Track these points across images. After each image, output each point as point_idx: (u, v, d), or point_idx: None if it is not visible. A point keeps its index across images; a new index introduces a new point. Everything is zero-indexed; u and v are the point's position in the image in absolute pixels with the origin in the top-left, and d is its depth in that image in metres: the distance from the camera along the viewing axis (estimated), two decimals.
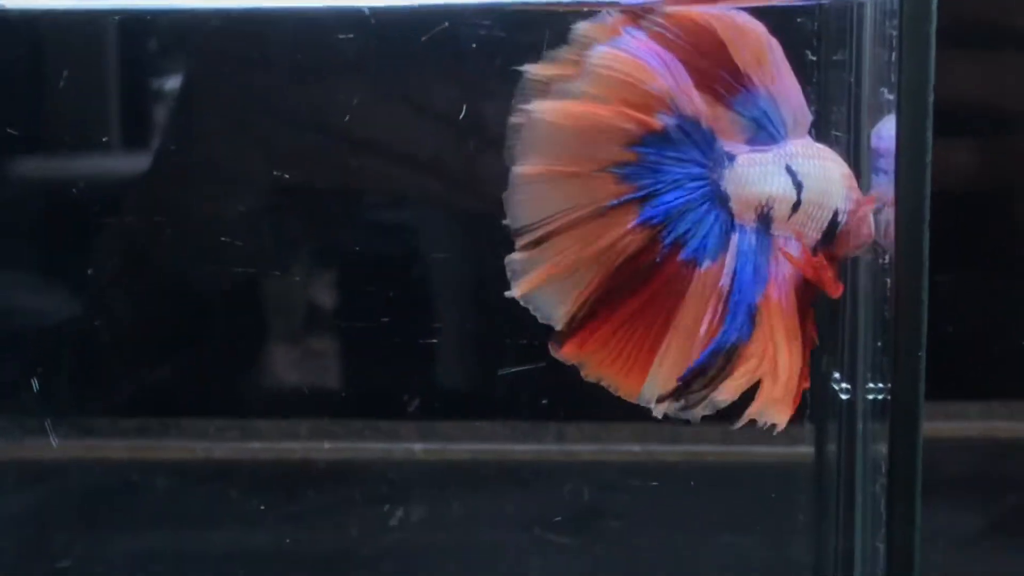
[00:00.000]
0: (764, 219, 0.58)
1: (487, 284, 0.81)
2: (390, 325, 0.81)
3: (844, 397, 0.70)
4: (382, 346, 0.82)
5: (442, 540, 0.81)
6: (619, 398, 0.83)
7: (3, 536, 0.79)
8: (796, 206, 0.59)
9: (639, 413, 0.83)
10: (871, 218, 0.60)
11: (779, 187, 0.58)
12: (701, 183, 0.58)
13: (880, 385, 0.66)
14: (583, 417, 0.84)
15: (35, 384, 0.78)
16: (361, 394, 0.84)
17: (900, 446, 0.61)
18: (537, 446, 0.84)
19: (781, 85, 0.58)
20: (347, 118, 0.75)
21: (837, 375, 0.70)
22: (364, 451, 0.84)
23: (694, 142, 0.58)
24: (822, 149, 0.59)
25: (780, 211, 0.58)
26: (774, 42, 0.58)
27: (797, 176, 0.59)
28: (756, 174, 0.58)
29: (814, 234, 0.59)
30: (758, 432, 0.79)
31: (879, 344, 0.65)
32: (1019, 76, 0.81)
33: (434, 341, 0.82)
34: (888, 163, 0.61)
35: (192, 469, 0.84)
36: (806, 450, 0.76)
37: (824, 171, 0.59)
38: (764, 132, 0.58)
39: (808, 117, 0.59)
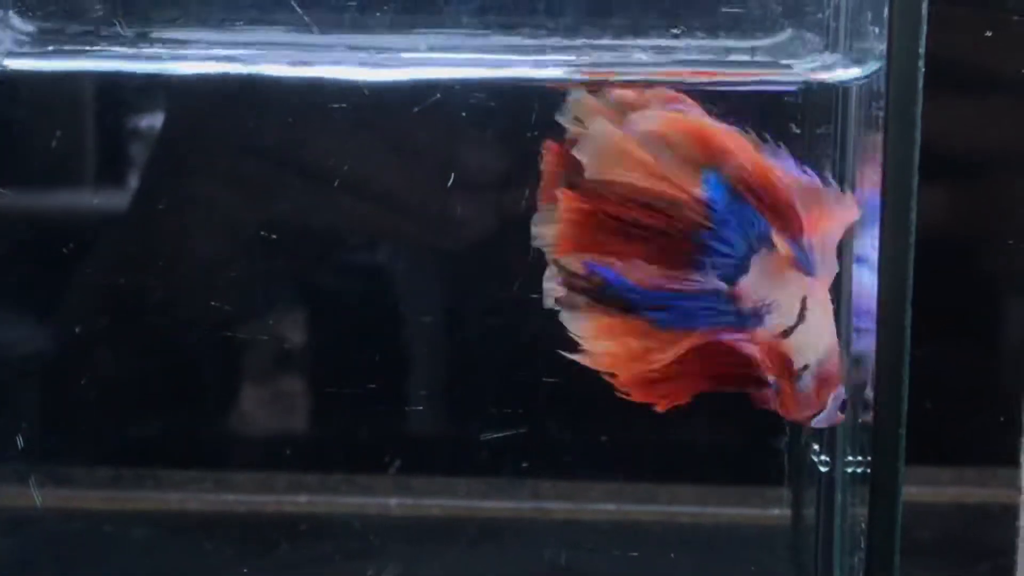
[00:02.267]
0: (756, 315, 0.59)
1: (469, 344, 0.81)
2: (369, 380, 0.81)
3: (823, 469, 0.70)
4: (361, 401, 0.82)
5: None
6: (595, 458, 0.84)
7: None
8: (787, 333, 0.60)
9: (615, 472, 0.84)
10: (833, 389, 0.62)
11: (787, 303, 0.59)
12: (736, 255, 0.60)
13: (859, 458, 0.67)
14: (558, 475, 0.84)
15: (19, 441, 0.78)
16: (338, 448, 0.84)
17: (879, 522, 0.61)
18: (512, 503, 0.84)
19: (824, 236, 0.61)
20: (336, 183, 0.75)
21: (816, 447, 0.71)
22: (340, 505, 0.84)
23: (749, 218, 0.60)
24: (830, 309, 0.61)
25: (773, 323, 0.59)
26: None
27: (805, 310, 0.60)
28: (778, 278, 0.59)
29: (797, 361, 0.62)
30: (734, 494, 0.80)
31: (859, 421, 0.66)
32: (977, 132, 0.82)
33: (414, 400, 0.82)
34: None
35: (167, 520, 0.83)
36: (783, 513, 0.76)
37: (825, 323, 0.61)
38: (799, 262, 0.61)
39: (834, 270, 0.61)
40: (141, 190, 0.81)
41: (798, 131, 0.71)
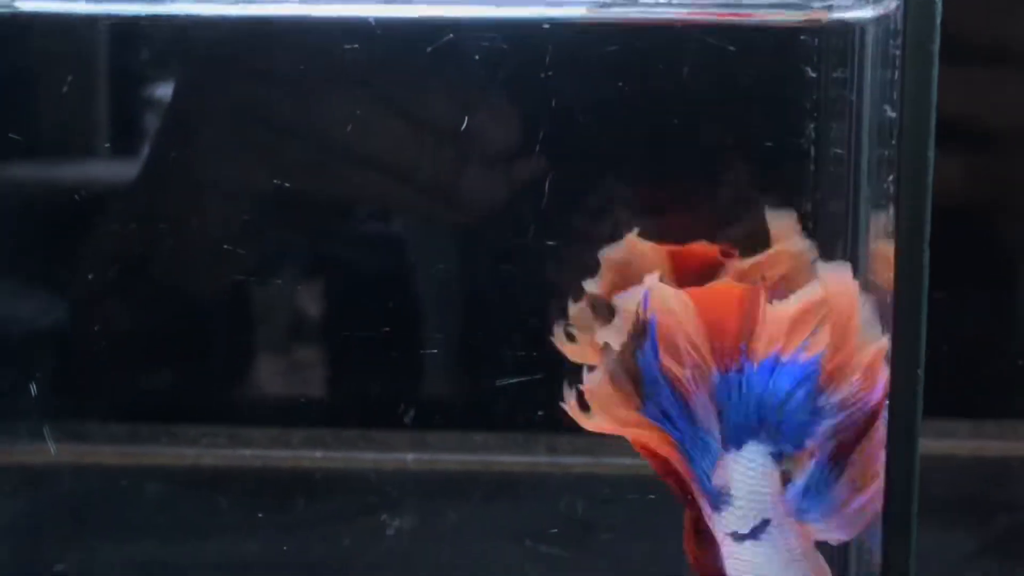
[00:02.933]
0: (720, 497, 0.62)
1: (483, 294, 0.81)
2: (385, 334, 0.80)
3: None
4: (376, 356, 0.81)
5: (434, 551, 0.81)
6: None
7: None
8: (739, 539, 0.62)
9: None
10: None
11: (748, 511, 0.61)
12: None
13: None
14: (575, 429, 0.83)
15: (33, 389, 0.78)
16: (354, 403, 0.84)
17: (897, 461, 0.61)
18: (529, 458, 0.84)
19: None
20: (348, 128, 0.75)
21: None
22: (356, 461, 0.84)
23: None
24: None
25: (727, 518, 0.62)
26: None
27: (760, 535, 0.62)
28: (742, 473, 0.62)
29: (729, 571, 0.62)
30: None
31: None
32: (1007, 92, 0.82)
33: (428, 351, 0.82)
34: None
35: (182, 475, 0.83)
36: None
37: (780, 565, 0.62)
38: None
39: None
40: (153, 139, 0.81)
41: (814, 74, 0.70)
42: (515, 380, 0.77)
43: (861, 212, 0.66)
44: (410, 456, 0.83)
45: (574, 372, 0.79)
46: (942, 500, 0.80)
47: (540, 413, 0.80)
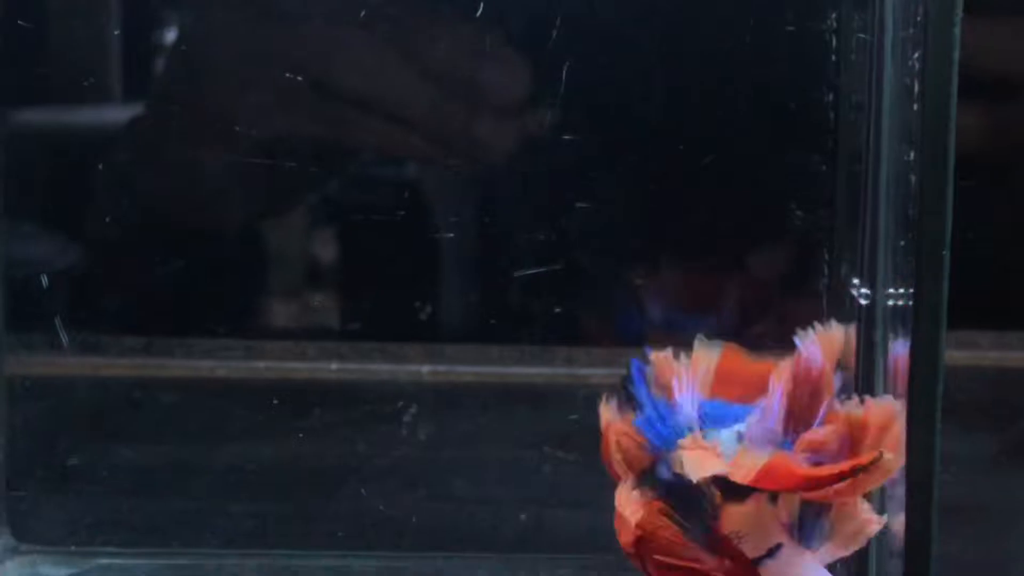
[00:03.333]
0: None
1: (497, 204, 0.80)
2: (399, 247, 0.80)
3: (863, 303, 0.69)
4: (392, 268, 0.81)
5: (449, 457, 0.80)
6: (628, 323, 0.83)
7: (12, 443, 0.78)
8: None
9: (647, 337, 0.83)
10: None
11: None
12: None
13: (901, 290, 0.65)
14: (592, 342, 0.83)
15: (44, 280, 0.77)
16: (369, 316, 0.83)
17: (923, 343, 0.60)
18: (546, 369, 0.83)
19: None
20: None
21: (856, 281, 0.69)
22: (372, 372, 0.83)
23: None
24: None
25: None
26: None
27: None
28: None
29: None
30: (766, 342, 0.79)
31: (901, 243, 0.64)
32: None
33: (443, 263, 0.81)
34: None
35: (197, 387, 0.83)
36: None
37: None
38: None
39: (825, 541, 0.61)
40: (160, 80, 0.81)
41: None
42: (532, 271, 0.76)
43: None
44: (426, 367, 0.82)
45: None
46: (964, 407, 0.79)
47: (558, 324, 0.80)
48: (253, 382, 0.83)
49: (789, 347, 0.62)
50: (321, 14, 0.77)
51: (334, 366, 0.83)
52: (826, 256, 0.75)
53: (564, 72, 0.76)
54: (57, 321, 0.78)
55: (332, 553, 0.77)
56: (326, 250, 0.85)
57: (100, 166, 0.81)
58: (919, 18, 0.60)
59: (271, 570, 0.75)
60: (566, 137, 0.77)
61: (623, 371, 0.63)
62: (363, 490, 0.79)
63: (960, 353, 0.83)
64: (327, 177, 0.82)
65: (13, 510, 0.76)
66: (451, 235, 0.80)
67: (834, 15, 0.72)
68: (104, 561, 0.76)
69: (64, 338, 0.78)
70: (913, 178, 0.62)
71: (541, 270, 0.77)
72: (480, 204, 0.81)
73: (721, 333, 0.65)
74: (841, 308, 0.72)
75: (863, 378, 0.68)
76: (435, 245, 0.81)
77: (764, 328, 0.78)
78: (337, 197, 0.83)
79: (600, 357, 0.83)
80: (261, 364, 0.83)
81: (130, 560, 0.76)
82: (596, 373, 0.83)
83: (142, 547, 0.77)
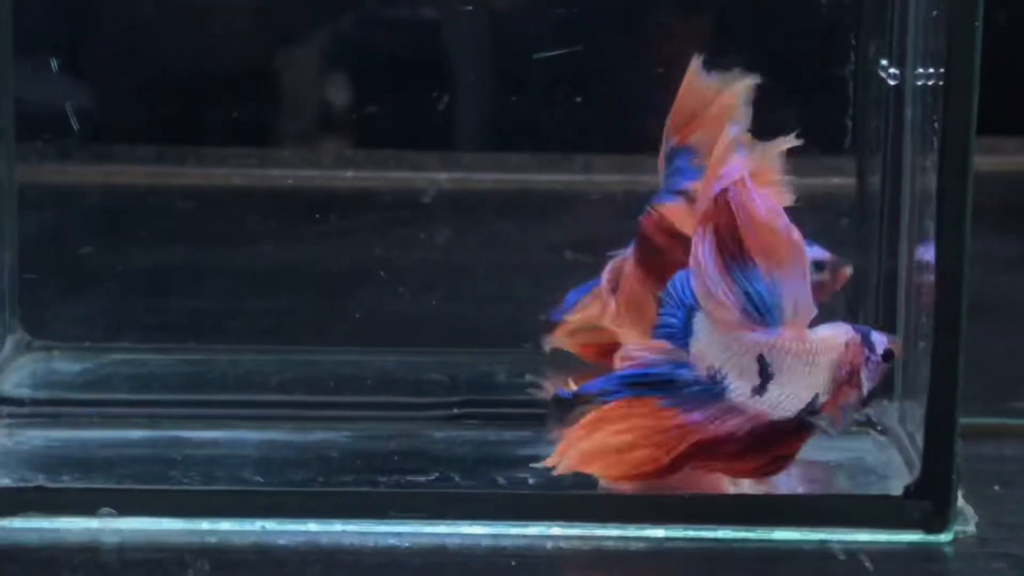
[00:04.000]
0: (714, 382, 0.60)
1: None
2: (418, 60, 0.79)
3: (892, 83, 0.67)
4: (408, 77, 0.80)
5: (468, 260, 0.79)
6: (644, 134, 0.82)
7: (26, 246, 0.77)
8: (760, 390, 0.60)
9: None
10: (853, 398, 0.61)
11: (741, 364, 0.60)
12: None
13: (931, 70, 0.64)
14: (609, 149, 0.82)
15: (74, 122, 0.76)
16: (384, 123, 0.82)
17: (954, 126, 0.59)
18: (563, 176, 0.82)
19: (788, 276, 0.60)
20: None
21: (884, 62, 0.68)
22: (387, 180, 0.82)
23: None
24: (817, 343, 0.60)
25: (738, 388, 0.60)
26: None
27: (769, 368, 0.60)
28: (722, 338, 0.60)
29: (785, 414, 0.61)
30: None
31: (933, 13, 0.63)
32: None
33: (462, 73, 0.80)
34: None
35: (211, 194, 0.82)
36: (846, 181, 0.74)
37: (805, 369, 0.61)
38: (755, 311, 0.60)
39: (810, 312, 0.60)
40: None
41: None
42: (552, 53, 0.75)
43: None
44: (443, 175, 0.81)
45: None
46: (989, 210, 0.78)
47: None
48: (268, 190, 0.82)
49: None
50: None
51: (349, 173, 0.82)
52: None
53: None
54: (68, 107, 0.77)
55: (349, 348, 0.76)
56: (338, 58, 0.83)
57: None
58: None
59: (287, 364, 0.75)
60: None
61: None
62: (380, 291, 0.78)
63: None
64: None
65: (27, 306, 0.76)
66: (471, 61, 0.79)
67: None
68: (118, 356, 0.75)
69: (75, 124, 0.77)
70: None
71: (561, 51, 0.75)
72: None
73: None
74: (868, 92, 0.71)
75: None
76: (448, 46, 0.80)
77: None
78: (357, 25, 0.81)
79: (617, 163, 0.82)
80: (276, 172, 0.82)
81: (145, 356, 0.75)
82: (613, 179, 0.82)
83: (157, 343, 0.76)
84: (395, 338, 0.76)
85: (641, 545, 0.61)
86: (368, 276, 0.78)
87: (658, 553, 0.61)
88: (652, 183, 0.82)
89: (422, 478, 0.64)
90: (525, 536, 0.61)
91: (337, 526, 0.61)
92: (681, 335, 0.62)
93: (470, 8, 0.80)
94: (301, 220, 0.81)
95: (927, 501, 0.61)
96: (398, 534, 0.61)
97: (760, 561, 0.61)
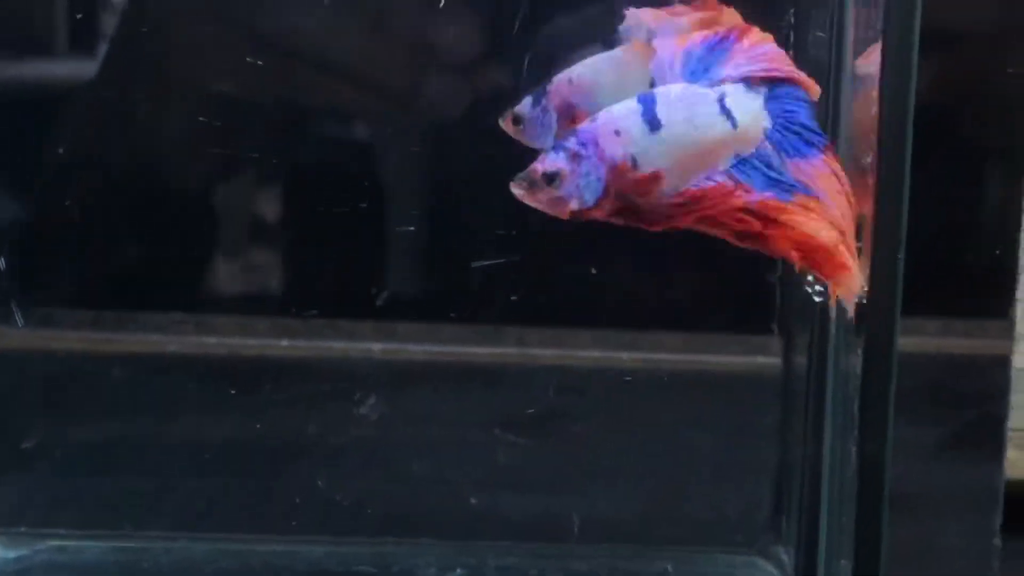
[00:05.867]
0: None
1: (453, 180, 0.80)
2: (352, 222, 0.80)
3: (817, 300, 0.69)
4: (343, 243, 0.81)
5: (402, 437, 0.80)
6: (580, 304, 0.83)
7: None
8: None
9: (599, 319, 0.83)
10: None
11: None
12: None
13: None
14: (543, 322, 0.83)
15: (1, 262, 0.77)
16: (320, 292, 0.83)
17: (875, 347, 0.61)
18: (497, 349, 0.83)
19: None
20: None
21: (811, 278, 0.70)
22: (323, 349, 0.83)
23: None
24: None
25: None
26: None
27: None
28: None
29: None
30: (719, 341, 0.80)
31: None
32: None
33: (396, 241, 0.81)
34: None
35: (148, 362, 0.82)
36: (772, 360, 0.76)
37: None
38: None
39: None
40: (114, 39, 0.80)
41: None
42: (490, 262, 0.76)
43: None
44: (377, 346, 0.82)
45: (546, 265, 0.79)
46: (914, 393, 0.80)
47: (511, 302, 0.80)
48: (204, 357, 0.83)
49: None
50: None
51: (284, 343, 0.83)
52: None
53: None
54: (13, 304, 0.77)
55: (282, 537, 0.78)
56: (276, 219, 0.84)
57: (51, 127, 0.80)
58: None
59: (220, 554, 0.76)
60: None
61: None
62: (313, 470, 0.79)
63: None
64: (281, 141, 0.82)
65: None
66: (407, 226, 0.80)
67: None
68: (55, 543, 0.76)
69: (18, 320, 0.77)
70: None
71: (500, 261, 0.76)
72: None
73: None
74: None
75: None
76: (391, 224, 0.81)
77: None
78: (291, 175, 0.82)
79: (551, 337, 0.84)
80: (213, 340, 0.83)
81: (80, 542, 0.76)
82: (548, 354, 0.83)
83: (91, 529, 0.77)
84: (327, 524, 0.78)
85: None
86: (305, 455, 0.79)
87: None
88: (584, 357, 0.84)
89: None
90: None
91: None
92: None
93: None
94: (236, 391, 0.82)
95: None
96: None
97: None
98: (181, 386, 0.81)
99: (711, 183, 0.61)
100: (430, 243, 0.82)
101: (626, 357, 0.82)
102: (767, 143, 0.62)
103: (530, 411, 0.80)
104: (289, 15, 0.77)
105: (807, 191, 0.61)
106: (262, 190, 0.82)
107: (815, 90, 0.62)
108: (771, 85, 0.62)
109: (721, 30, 0.62)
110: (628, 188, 0.61)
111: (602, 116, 0.61)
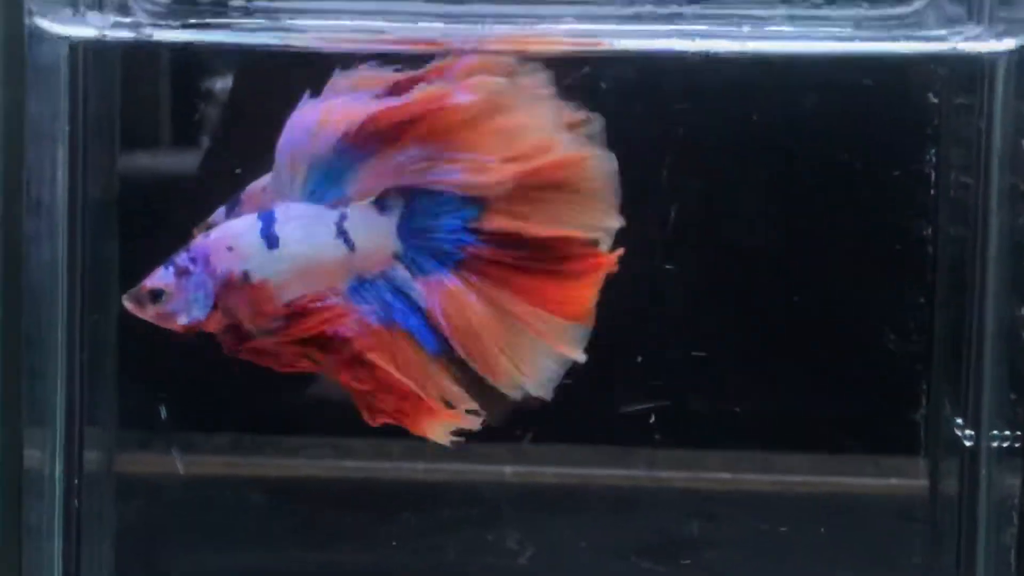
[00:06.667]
0: None
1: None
2: None
3: (967, 444, 0.70)
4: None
5: (538, 564, 0.81)
6: (712, 424, 0.84)
7: (106, 547, 0.79)
8: None
9: (734, 441, 0.83)
10: None
11: None
12: None
13: (1007, 433, 0.66)
14: (674, 444, 0.84)
15: (162, 411, 0.78)
16: None
17: None
18: (627, 471, 0.84)
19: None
20: None
21: (960, 420, 0.70)
22: (457, 472, 0.84)
23: None
24: None
25: None
26: None
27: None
28: None
29: None
30: (858, 463, 0.80)
31: (1012, 397, 0.65)
32: None
33: None
34: None
35: (287, 486, 0.84)
36: (918, 484, 0.76)
37: None
38: None
39: None
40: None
41: (935, 100, 0.70)
42: (643, 406, 0.77)
43: (991, 240, 0.67)
44: (508, 468, 0.83)
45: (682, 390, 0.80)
46: None
47: (642, 427, 0.80)
48: (341, 481, 0.84)
49: None
50: None
51: (420, 465, 0.84)
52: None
53: None
54: (175, 450, 0.79)
55: None
56: None
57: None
58: None
59: None
60: None
61: None
62: None
63: None
64: None
65: None
66: None
67: None
68: None
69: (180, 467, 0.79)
70: None
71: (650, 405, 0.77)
72: None
73: None
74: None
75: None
76: None
77: None
78: None
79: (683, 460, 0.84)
80: (349, 463, 0.84)
81: None
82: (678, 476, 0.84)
83: None
84: None
85: None
86: None
87: None
88: (715, 480, 0.84)
89: None
90: None
91: None
92: None
93: None
94: (374, 516, 0.83)
95: None
96: None
97: None
98: (319, 510, 0.83)
99: (318, 304, 0.61)
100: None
101: (755, 479, 0.83)
102: (398, 264, 0.61)
103: (664, 537, 0.80)
104: None
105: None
106: None
107: (480, 187, 0.61)
108: (411, 196, 0.62)
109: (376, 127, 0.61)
110: (240, 302, 0.62)
111: (216, 232, 0.62)
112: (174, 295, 0.62)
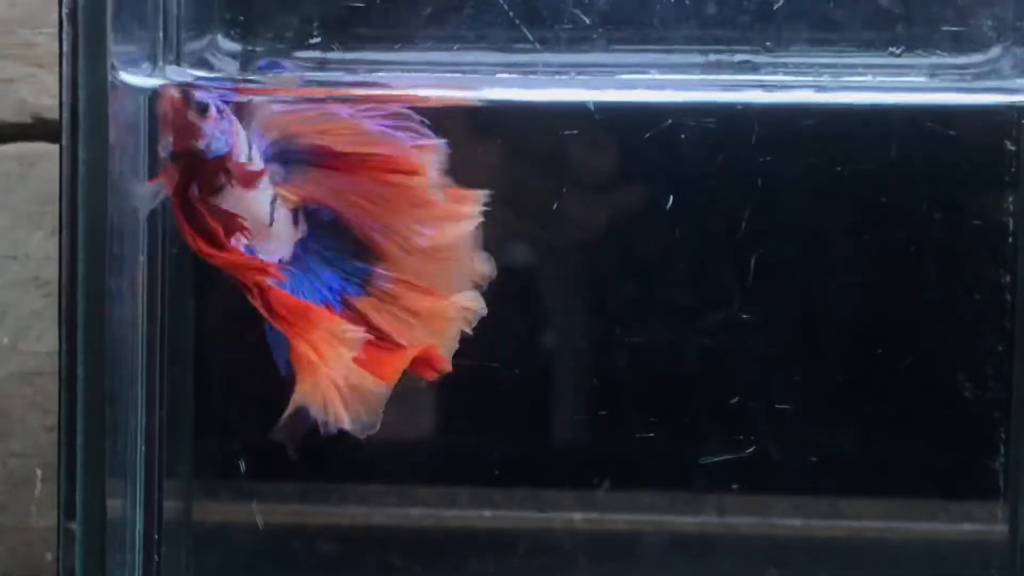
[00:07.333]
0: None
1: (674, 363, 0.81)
2: (549, 398, 0.81)
3: None
4: (540, 413, 0.82)
5: None
6: (788, 471, 0.84)
7: None
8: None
9: (806, 486, 0.83)
10: None
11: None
12: None
13: None
14: (743, 490, 0.84)
15: (242, 465, 0.78)
16: (520, 462, 0.84)
17: None
18: (697, 518, 0.84)
19: None
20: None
21: None
22: (524, 520, 0.84)
23: None
24: None
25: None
26: None
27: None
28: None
29: None
30: (927, 508, 0.79)
31: None
32: None
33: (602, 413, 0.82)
34: None
35: (354, 535, 0.84)
36: (996, 530, 0.75)
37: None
38: None
39: None
40: None
41: (1013, 148, 0.70)
42: (720, 458, 0.77)
43: None
44: (578, 515, 0.83)
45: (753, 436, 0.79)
46: None
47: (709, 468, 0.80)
48: (408, 530, 0.84)
49: None
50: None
51: (487, 513, 0.84)
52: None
53: None
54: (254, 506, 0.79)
55: None
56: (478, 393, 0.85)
57: None
58: None
59: None
60: None
61: None
62: None
63: None
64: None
65: None
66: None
67: None
68: None
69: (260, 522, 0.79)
70: None
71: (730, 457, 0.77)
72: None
73: None
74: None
75: None
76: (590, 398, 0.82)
77: None
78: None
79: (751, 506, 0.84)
80: (416, 511, 0.84)
81: None
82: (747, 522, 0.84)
83: None
84: None
85: None
86: None
87: None
88: (784, 526, 0.84)
89: None
90: None
91: None
92: None
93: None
94: (441, 566, 0.82)
95: None
96: None
97: None
98: (385, 558, 0.82)
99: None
100: (626, 414, 0.83)
101: (824, 525, 0.83)
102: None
103: None
104: None
105: None
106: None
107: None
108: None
109: None
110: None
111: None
112: (211, 118, 0.65)
